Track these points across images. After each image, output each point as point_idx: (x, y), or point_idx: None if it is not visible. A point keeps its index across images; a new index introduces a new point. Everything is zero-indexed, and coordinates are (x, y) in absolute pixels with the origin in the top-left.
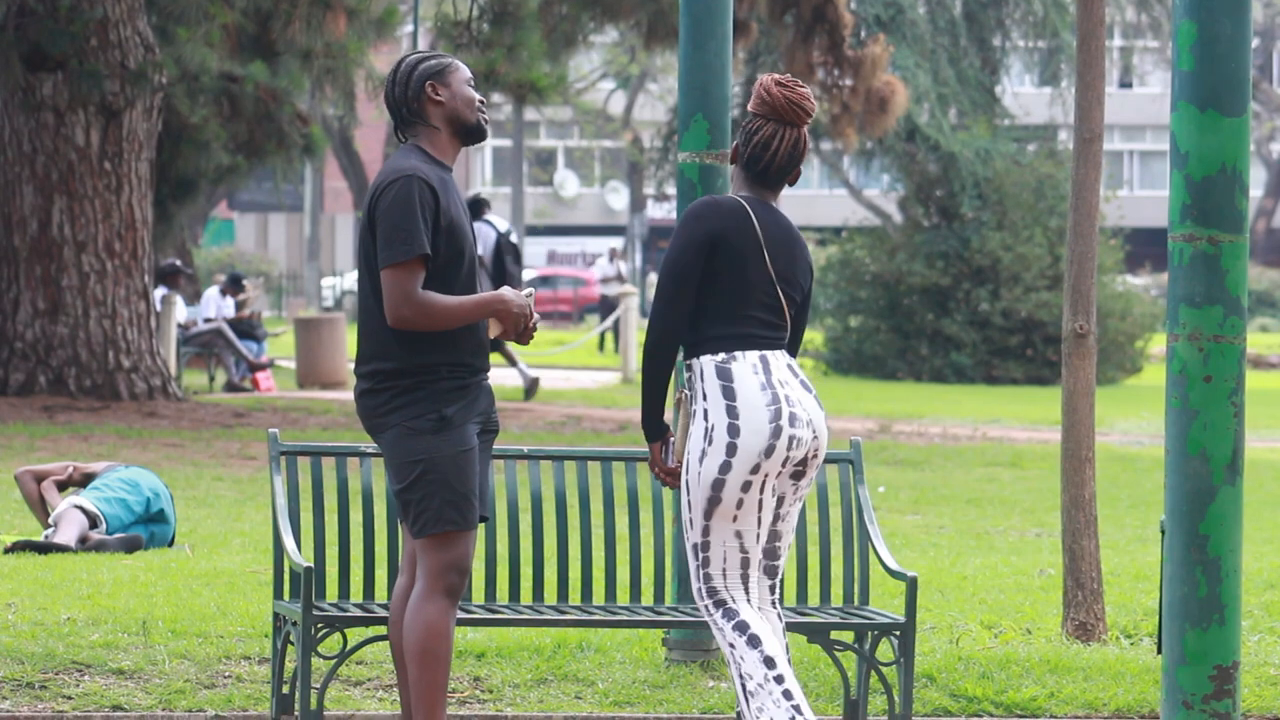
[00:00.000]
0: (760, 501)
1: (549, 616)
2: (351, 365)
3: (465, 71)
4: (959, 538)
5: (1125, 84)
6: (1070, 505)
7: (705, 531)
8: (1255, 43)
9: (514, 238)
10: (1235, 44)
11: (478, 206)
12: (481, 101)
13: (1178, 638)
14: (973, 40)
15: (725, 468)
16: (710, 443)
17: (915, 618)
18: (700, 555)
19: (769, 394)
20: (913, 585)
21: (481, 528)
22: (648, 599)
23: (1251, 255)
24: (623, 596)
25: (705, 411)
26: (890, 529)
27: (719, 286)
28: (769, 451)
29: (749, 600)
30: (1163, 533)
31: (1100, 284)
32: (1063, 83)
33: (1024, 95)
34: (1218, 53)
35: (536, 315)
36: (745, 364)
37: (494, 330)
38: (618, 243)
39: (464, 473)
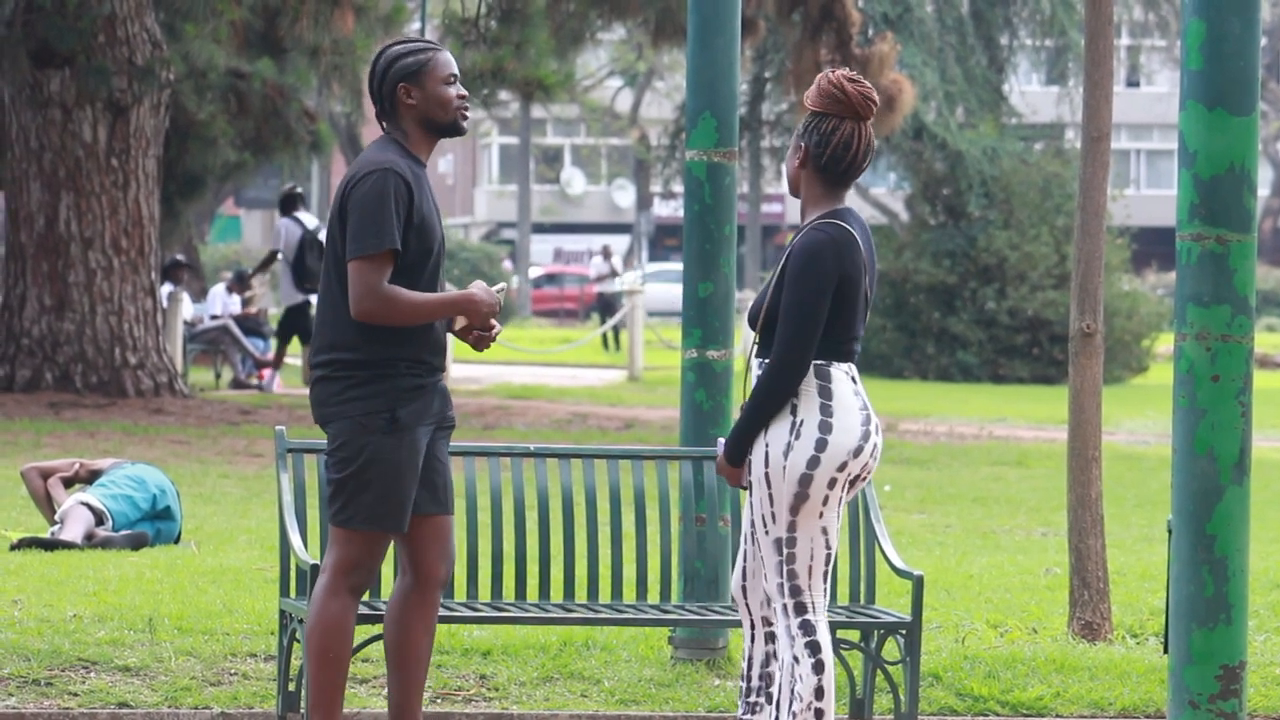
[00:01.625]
0: (840, 498)
1: (555, 615)
2: None
3: (444, 68)
4: (965, 537)
5: (1133, 83)
6: (1076, 504)
7: (791, 527)
8: (1264, 42)
9: (321, 235)
10: (1244, 43)
11: (290, 202)
12: (462, 97)
13: (1184, 637)
14: (980, 39)
15: (814, 463)
16: (798, 437)
17: (921, 617)
18: (785, 551)
19: (860, 400)
20: (919, 584)
21: (475, 525)
22: (654, 597)
23: (1259, 255)
24: (629, 595)
25: (794, 407)
26: (896, 528)
27: (830, 314)
28: (857, 452)
29: (824, 603)
30: (1169, 532)
31: (1107, 283)
32: (1070, 81)
33: (1031, 94)
34: (1226, 51)
35: (498, 326)
36: (840, 370)
37: (458, 324)
38: (611, 240)
39: (404, 477)
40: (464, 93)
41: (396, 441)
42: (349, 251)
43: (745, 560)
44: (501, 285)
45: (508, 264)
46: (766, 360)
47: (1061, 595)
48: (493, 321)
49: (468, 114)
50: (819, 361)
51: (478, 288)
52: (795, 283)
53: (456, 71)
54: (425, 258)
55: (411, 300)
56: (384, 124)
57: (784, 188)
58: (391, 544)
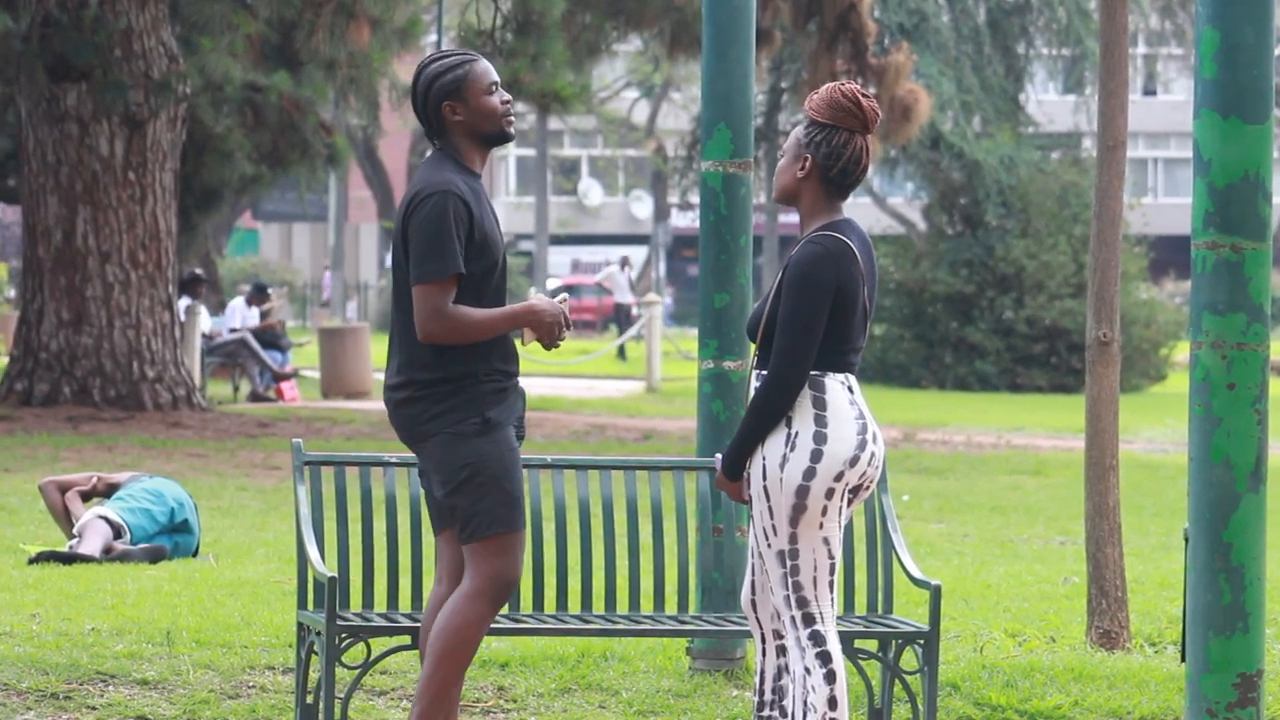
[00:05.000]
0: (841, 508)
1: (573, 626)
2: (378, 375)
3: (484, 78)
4: (983, 546)
5: (1149, 91)
6: (1094, 513)
7: (793, 539)
8: (1278, 50)
9: None
10: (1258, 51)
11: None
12: (506, 103)
13: (1201, 645)
14: (996, 48)
15: (809, 474)
16: (793, 449)
17: (939, 626)
18: (788, 563)
19: (856, 409)
20: (937, 594)
21: None
22: (671, 608)
23: (1275, 263)
24: (646, 606)
25: (789, 419)
26: (914, 537)
27: (826, 325)
28: (853, 462)
29: (833, 612)
30: (1186, 540)
31: (1124, 291)
32: (1087, 90)
33: (1048, 103)
34: (1240, 60)
35: (569, 320)
36: (835, 380)
37: (528, 338)
38: (629, 251)
39: (512, 474)
40: (507, 98)
41: (493, 442)
42: (414, 276)
43: (754, 574)
44: (563, 296)
45: (563, 296)
46: (764, 372)
47: (1079, 604)
48: (563, 322)
49: (513, 120)
50: (813, 372)
51: (540, 300)
52: (792, 296)
53: (496, 78)
54: (490, 272)
55: (477, 319)
56: (435, 141)
57: None
58: (435, 548)
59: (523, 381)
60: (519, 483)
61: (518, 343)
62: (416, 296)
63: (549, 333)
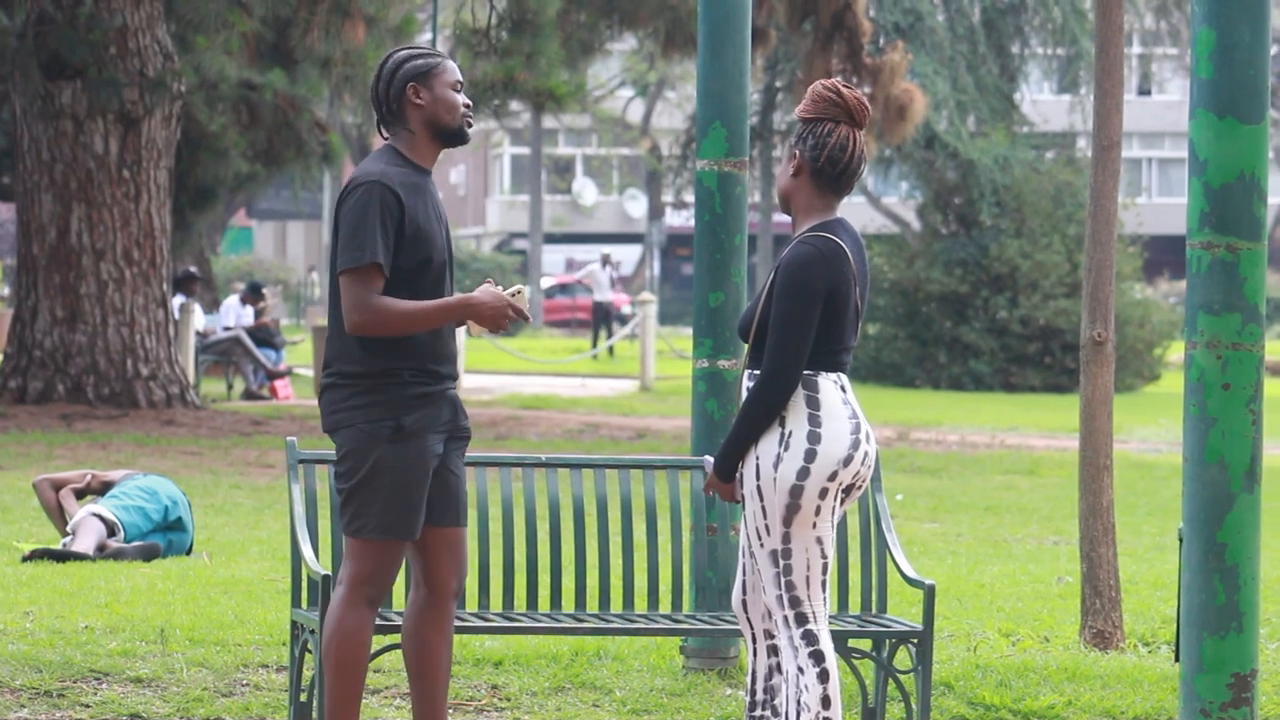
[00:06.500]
0: (834, 508)
1: (567, 624)
2: None
3: (452, 73)
4: (977, 545)
5: (1144, 91)
6: (1088, 513)
7: (785, 539)
8: (1274, 50)
9: None
10: (1254, 51)
11: None
12: (467, 105)
13: (1196, 645)
14: (991, 47)
15: (804, 474)
16: (786, 448)
17: (933, 626)
18: (781, 562)
19: (849, 408)
20: (930, 593)
21: (486, 536)
22: (665, 607)
23: (1270, 262)
24: (640, 604)
25: (782, 418)
26: (908, 537)
27: (819, 325)
28: (847, 461)
29: (825, 611)
30: (1181, 540)
31: (1119, 291)
32: (1081, 90)
33: (1043, 102)
34: (1236, 60)
35: (525, 312)
36: (828, 379)
37: (475, 330)
38: (624, 251)
39: (413, 485)
40: (469, 102)
41: (403, 449)
42: (337, 265)
43: (745, 574)
44: (517, 288)
45: (516, 288)
46: (757, 372)
47: (1073, 604)
48: (509, 313)
49: (472, 123)
50: (806, 371)
51: (482, 291)
52: (784, 297)
53: (463, 80)
54: (425, 266)
55: (404, 310)
56: (385, 133)
57: None
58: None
59: (516, 380)
60: (418, 494)
61: (463, 334)
62: (341, 287)
63: (492, 326)
